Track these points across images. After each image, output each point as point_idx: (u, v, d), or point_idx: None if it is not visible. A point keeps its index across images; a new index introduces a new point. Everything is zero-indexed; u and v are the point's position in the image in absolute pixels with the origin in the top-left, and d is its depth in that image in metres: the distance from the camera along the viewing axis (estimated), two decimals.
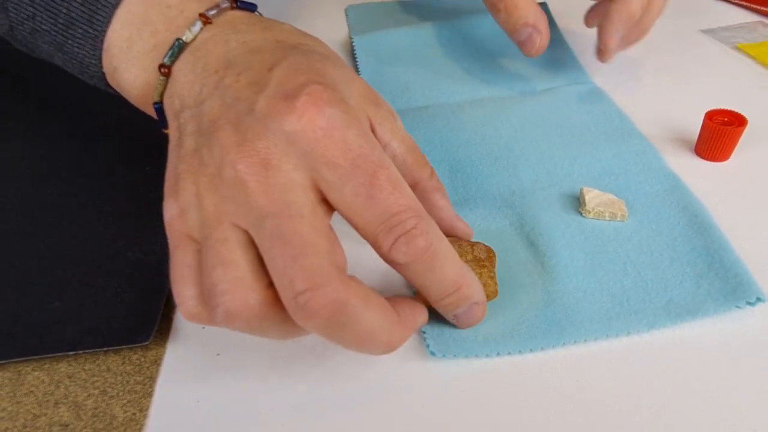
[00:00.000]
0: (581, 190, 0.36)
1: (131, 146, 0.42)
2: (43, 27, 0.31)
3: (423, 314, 0.28)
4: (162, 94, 0.29)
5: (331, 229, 0.25)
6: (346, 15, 0.58)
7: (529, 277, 0.32)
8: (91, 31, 0.30)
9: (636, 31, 0.44)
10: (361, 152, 0.25)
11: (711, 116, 0.40)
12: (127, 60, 0.30)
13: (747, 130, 0.40)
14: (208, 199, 0.25)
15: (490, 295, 0.30)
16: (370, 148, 0.25)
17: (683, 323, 0.30)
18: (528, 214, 0.36)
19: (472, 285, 0.28)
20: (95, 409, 0.27)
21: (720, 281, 0.31)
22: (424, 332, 0.30)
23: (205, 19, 0.29)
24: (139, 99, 0.31)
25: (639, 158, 0.39)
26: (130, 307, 0.31)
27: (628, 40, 0.45)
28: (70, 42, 0.31)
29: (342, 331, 0.24)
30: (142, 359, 0.30)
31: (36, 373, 0.29)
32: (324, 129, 0.24)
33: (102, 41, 0.30)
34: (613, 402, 0.27)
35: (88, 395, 0.28)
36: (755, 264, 0.34)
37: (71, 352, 0.29)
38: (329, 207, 0.25)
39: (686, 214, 0.35)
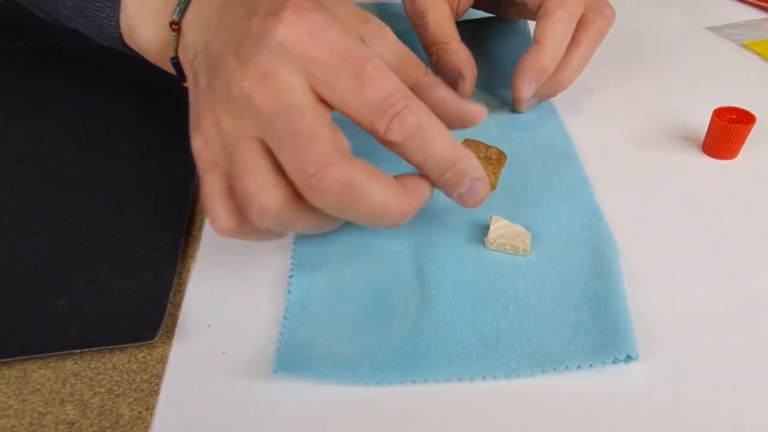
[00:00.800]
0: (490, 218, 0.34)
1: (135, 143, 0.42)
2: None
3: (428, 186, 0.30)
4: (176, 49, 0.32)
5: (332, 122, 0.28)
6: None
7: (405, 306, 0.31)
8: None
9: (550, 86, 0.42)
10: (346, 48, 0.27)
11: (719, 114, 0.40)
12: (143, 20, 0.33)
13: (755, 128, 0.40)
14: (226, 122, 0.28)
15: (490, 187, 0.32)
16: (354, 44, 0.28)
17: (545, 374, 0.28)
18: (428, 240, 0.34)
19: (468, 159, 0.29)
20: (101, 407, 0.27)
21: (597, 332, 0.29)
22: (276, 349, 0.29)
23: None
24: (156, 56, 0.34)
25: (567, 189, 0.38)
26: (135, 305, 0.31)
27: (540, 95, 0.43)
28: (90, 6, 0.34)
29: (354, 205, 0.27)
30: (148, 357, 0.29)
31: (42, 371, 0.29)
32: (310, 33, 0.27)
33: (119, 4, 0.33)
34: None
35: (95, 393, 0.28)
36: (760, 263, 0.34)
37: (77, 350, 0.29)
38: (328, 106, 0.28)
39: (592, 253, 0.33)
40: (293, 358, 0.29)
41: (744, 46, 0.53)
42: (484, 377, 0.28)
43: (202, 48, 0.30)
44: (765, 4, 0.59)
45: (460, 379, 0.28)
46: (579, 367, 0.28)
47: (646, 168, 0.40)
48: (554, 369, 0.28)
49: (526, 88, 0.41)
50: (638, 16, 0.58)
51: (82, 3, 0.34)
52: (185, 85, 0.32)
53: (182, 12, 0.31)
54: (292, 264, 0.33)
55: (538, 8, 0.41)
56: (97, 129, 0.43)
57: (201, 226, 0.36)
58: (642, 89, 0.47)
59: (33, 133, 0.42)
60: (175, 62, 0.32)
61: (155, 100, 0.44)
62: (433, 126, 0.28)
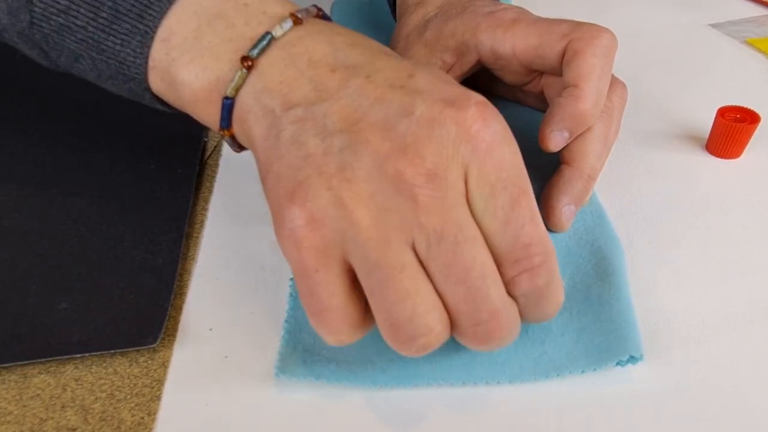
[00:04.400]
0: None
1: (135, 144, 0.41)
2: (78, 23, 0.28)
3: None
4: (237, 89, 0.27)
5: None
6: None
7: None
8: (140, 26, 0.28)
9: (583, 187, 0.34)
10: (511, 173, 0.24)
11: (723, 113, 0.40)
12: (194, 50, 0.28)
13: (759, 127, 0.40)
14: (361, 211, 0.23)
15: None
16: (519, 171, 0.25)
17: (548, 380, 0.28)
18: None
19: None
20: (103, 412, 0.27)
21: (600, 336, 0.29)
22: (278, 352, 0.29)
23: (296, 19, 0.27)
24: (199, 93, 0.28)
25: None
26: (136, 309, 0.31)
27: (580, 199, 0.34)
28: (112, 38, 0.28)
29: (493, 347, 0.25)
30: (150, 362, 0.29)
31: (42, 376, 0.29)
32: (488, 143, 0.24)
33: (152, 37, 0.28)
34: None
35: (96, 399, 0.28)
36: (764, 263, 0.34)
37: (78, 355, 0.29)
38: None
39: (596, 256, 0.33)
40: (295, 361, 0.28)
41: (746, 43, 0.53)
42: (487, 382, 0.28)
43: (303, 101, 0.25)
44: (767, 0, 0.59)
45: (463, 384, 0.28)
46: (583, 371, 0.28)
47: (649, 168, 0.40)
48: (558, 374, 0.28)
49: (556, 137, 0.33)
50: (639, 14, 0.58)
51: (100, 35, 0.28)
52: (224, 133, 0.28)
53: (263, 50, 0.27)
54: None
55: (562, 57, 0.34)
56: (97, 129, 0.43)
57: (201, 228, 0.36)
58: (644, 87, 0.47)
59: (33, 134, 0.42)
60: (228, 104, 0.27)
61: None
62: (553, 291, 0.26)
